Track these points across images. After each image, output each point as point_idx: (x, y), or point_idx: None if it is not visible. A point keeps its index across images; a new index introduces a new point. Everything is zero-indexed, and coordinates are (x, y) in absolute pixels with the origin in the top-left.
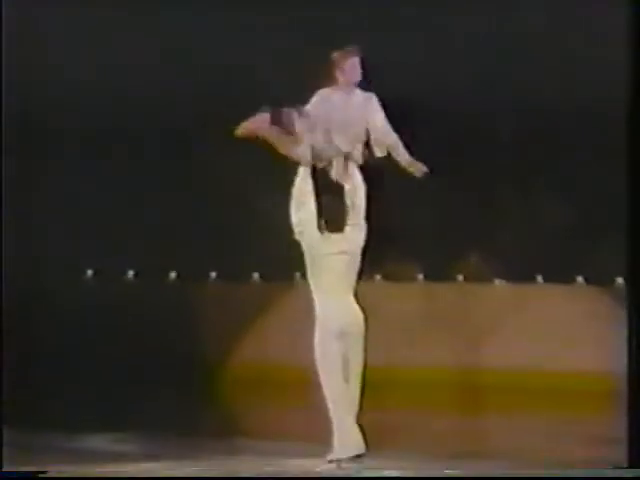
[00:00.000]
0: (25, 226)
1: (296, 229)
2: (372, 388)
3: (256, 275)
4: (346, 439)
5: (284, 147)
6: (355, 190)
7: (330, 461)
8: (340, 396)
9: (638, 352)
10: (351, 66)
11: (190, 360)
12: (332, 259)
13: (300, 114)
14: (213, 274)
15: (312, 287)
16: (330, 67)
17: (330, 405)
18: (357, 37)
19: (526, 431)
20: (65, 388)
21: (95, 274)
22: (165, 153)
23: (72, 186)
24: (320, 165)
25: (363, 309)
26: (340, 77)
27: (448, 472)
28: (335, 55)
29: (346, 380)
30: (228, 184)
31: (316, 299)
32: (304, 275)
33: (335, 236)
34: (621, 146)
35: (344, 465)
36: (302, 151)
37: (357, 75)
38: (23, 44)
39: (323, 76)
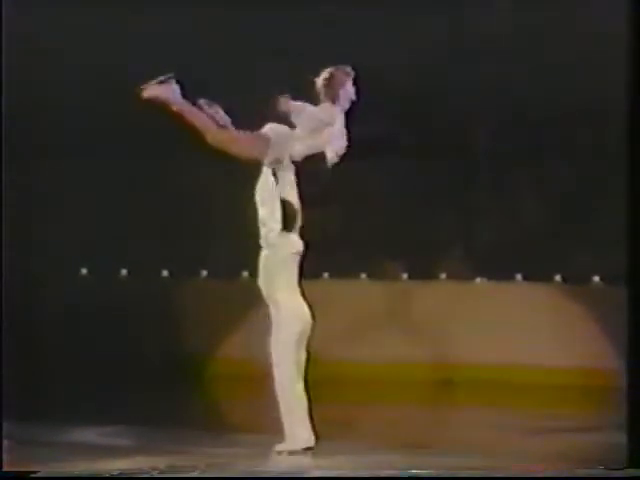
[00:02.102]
0: (22, 226)
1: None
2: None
3: (245, 273)
4: (297, 432)
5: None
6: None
7: (279, 452)
8: (294, 391)
9: (637, 352)
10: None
11: (183, 355)
12: (290, 259)
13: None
14: (204, 272)
15: (271, 286)
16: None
17: (283, 399)
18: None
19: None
20: (61, 383)
21: (89, 272)
22: (160, 153)
23: (68, 186)
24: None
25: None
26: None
27: (450, 472)
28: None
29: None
30: (216, 184)
31: (278, 299)
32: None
33: (292, 236)
34: (620, 145)
35: (294, 456)
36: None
37: None
38: (23, 44)
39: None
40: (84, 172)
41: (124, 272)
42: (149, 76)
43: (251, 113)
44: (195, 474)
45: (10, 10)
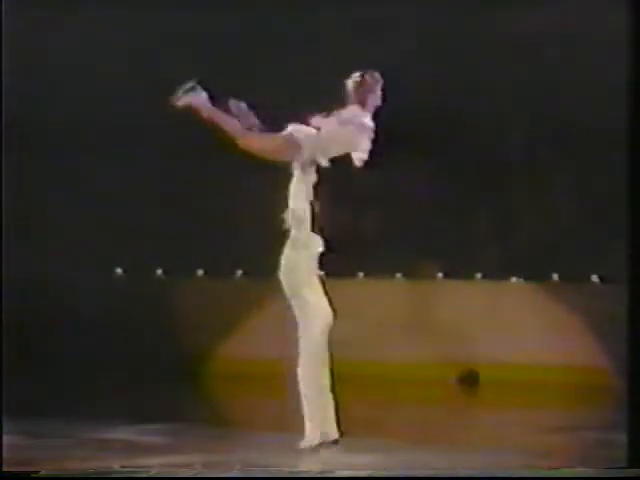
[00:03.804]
0: (55, 226)
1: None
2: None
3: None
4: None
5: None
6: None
7: (303, 448)
8: (320, 388)
9: (638, 352)
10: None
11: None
12: (314, 258)
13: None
14: (239, 272)
15: (296, 286)
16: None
17: (313, 396)
18: None
19: None
20: (88, 381)
21: (125, 272)
22: (180, 152)
23: (101, 186)
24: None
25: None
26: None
27: (450, 472)
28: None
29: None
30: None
31: (303, 297)
32: None
33: (316, 236)
34: (621, 146)
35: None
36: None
37: None
38: (23, 44)
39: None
40: (115, 173)
41: (159, 272)
42: (149, 76)
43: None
44: (193, 474)
45: (10, 10)
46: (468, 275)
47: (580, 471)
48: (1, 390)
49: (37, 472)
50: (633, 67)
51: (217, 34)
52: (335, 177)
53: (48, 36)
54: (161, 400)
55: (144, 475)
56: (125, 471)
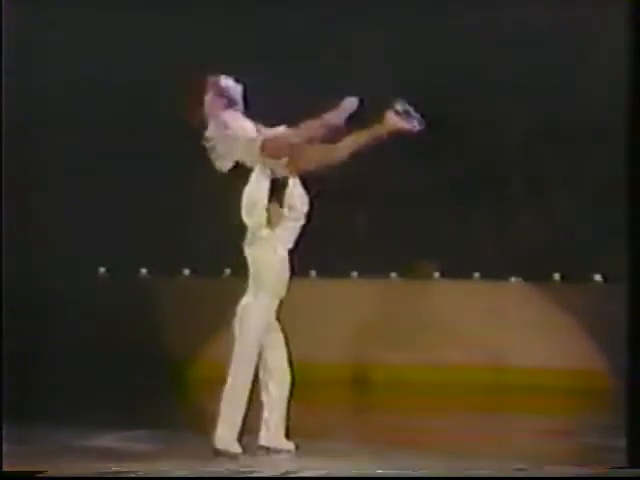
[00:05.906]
0: (39, 225)
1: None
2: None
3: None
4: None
5: None
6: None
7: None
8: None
9: (637, 352)
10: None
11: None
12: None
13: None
14: (227, 271)
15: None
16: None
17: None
18: None
19: None
20: (75, 384)
21: (108, 272)
22: (165, 152)
23: (85, 186)
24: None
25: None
26: None
27: (450, 473)
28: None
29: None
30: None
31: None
32: None
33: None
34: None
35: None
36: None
37: None
38: (23, 45)
39: None
40: (104, 173)
41: (144, 271)
42: (149, 76)
43: None
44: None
45: (10, 10)
46: (466, 275)
47: (580, 472)
48: (1, 391)
49: (42, 472)
50: (633, 67)
51: (217, 34)
52: (330, 176)
53: (48, 36)
54: (145, 404)
55: (141, 475)
56: (110, 472)
